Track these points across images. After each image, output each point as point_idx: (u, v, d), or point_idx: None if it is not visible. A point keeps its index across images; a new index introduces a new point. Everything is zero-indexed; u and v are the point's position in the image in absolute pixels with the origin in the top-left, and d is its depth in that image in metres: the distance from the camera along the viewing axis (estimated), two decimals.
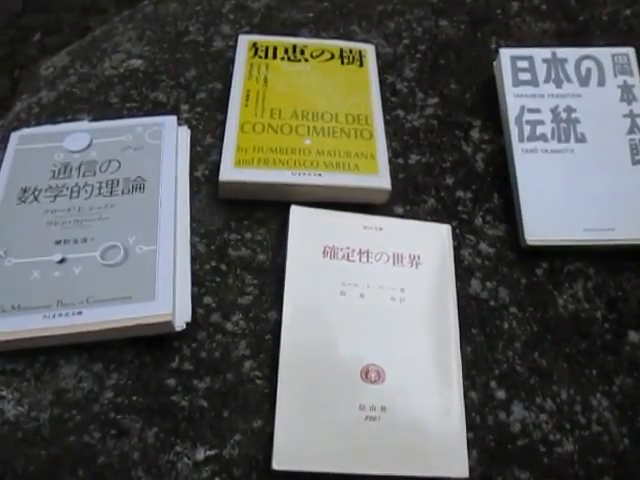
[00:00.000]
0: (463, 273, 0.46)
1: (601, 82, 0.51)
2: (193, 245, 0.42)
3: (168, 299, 0.35)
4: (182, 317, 0.36)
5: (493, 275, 0.46)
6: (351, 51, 0.52)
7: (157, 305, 0.34)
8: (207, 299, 0.40)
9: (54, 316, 0.34)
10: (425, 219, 0.47)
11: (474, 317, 0.44)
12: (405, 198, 0.48)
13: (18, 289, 0.35)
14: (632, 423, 0.43)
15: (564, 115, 0.50)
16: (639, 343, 0.46)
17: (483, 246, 0.47)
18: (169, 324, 0.35)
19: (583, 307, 0.47)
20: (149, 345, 0.37)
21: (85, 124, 0.45)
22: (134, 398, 0.36)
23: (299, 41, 0.53)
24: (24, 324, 0.34)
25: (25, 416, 0.34)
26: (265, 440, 0.36)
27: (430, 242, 0.44)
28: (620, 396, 0.44)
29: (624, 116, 0.50)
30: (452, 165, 0.50)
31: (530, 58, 0.52)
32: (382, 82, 0.53)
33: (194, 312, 0.39)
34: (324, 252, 0.42)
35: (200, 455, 0.35)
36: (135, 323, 0.34)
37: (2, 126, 0.52)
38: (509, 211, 0.49)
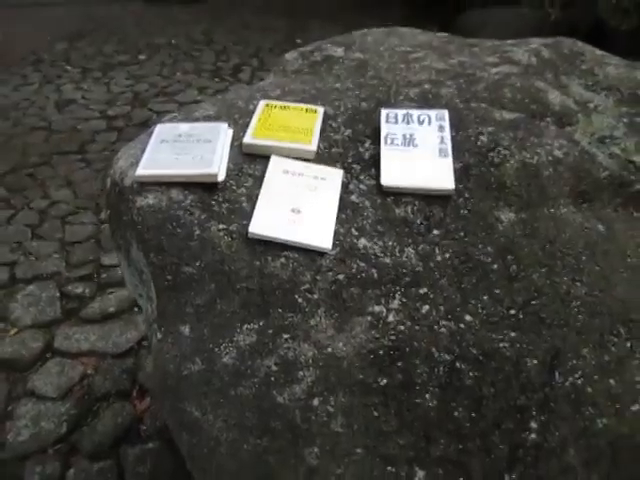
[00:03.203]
0: (348, 192, 1.02)
1: (429, 123, 1.11)
2: (228, 166, 1.01)
3: (216, 168, 0.93)
4: (220, 177, 0.94)
5: (364, 195, 1.02)
6: (311, 108, 1.16)
7: (212, 169, 0.93)
8: (229, 181, 0.98)
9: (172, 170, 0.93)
10: None
11: (340, 206, 0.99)
12: (326, 163, 1.06)
13: (162, 164, 0.95)
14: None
15: (408, 136, 1.10)
16: (442, 235, 0.99)
17: (362, 186, 1.04)
18: (215, 176, 0.93)
19: (410, 217, 1.01)
20: (207, 188, 0.94)
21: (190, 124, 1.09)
22: (199, 204, 0.92)
23: (287, 103, 1.17)
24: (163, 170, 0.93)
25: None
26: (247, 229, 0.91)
27: (332, 174, 1.02)
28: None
29: (437, 137, 1.09)
30: (352, 156, 1.09)
31: (396, 113, 1.13)
32: (324, 122, 1.14)
33: (225, 182, 0.96)
34: (283, 172, 1.00)
35: (221, 227, 0.90)
36: (202, 173, 0.92)
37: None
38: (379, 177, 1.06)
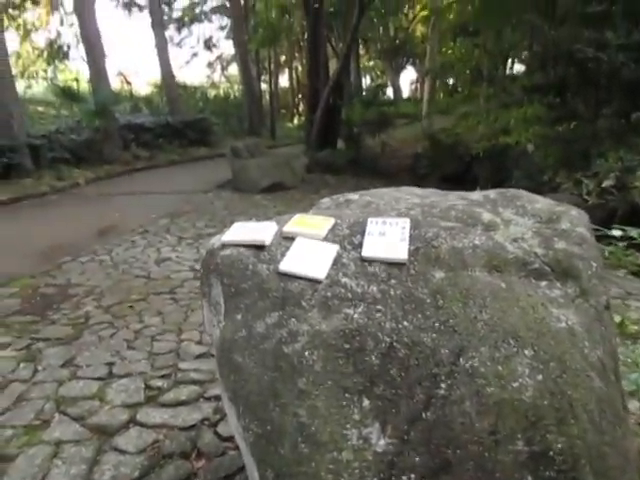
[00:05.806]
0: (341, 258, 1.76)
1: (396, 225, 1.88)
2: (272, 240, 1.81)
3: (265, 238, 1.73)
4: (267, 243, 1.73)
5: (350, 260, 1.76)
6: (328, 218, 1.97)
7: (262, 238, 1.73)
8: (271, 247, 1.76)
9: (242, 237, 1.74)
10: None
11: (334, 262, 1.73)
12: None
13: (237, 236, 1.76)
14: None
15: (382, 232, 1.86)
16: (397, 282, 1.71)
17: (350, 255, 1.79)
18: (264, 242, 1.72)
19: (377, 272, 1.74)
20: (259, 248, 1.73)
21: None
22: (254, 255, 1.71)
23: (314, 215, 2.00)
24: (237, 238, 1.74)
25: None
26: None
27: (331, 247, 1.78)
28: None
29: (400, 233, 1.85)
30: (347, 242, 1.86)
31: (377, 220, 1.92)
32: (334, 226, 1.94)
33: (269, 247, 1.75)
34: (302, 245, 1.78)
35: (264, 266, 1.67)
36: (258, 239, 1.72)
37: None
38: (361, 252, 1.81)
